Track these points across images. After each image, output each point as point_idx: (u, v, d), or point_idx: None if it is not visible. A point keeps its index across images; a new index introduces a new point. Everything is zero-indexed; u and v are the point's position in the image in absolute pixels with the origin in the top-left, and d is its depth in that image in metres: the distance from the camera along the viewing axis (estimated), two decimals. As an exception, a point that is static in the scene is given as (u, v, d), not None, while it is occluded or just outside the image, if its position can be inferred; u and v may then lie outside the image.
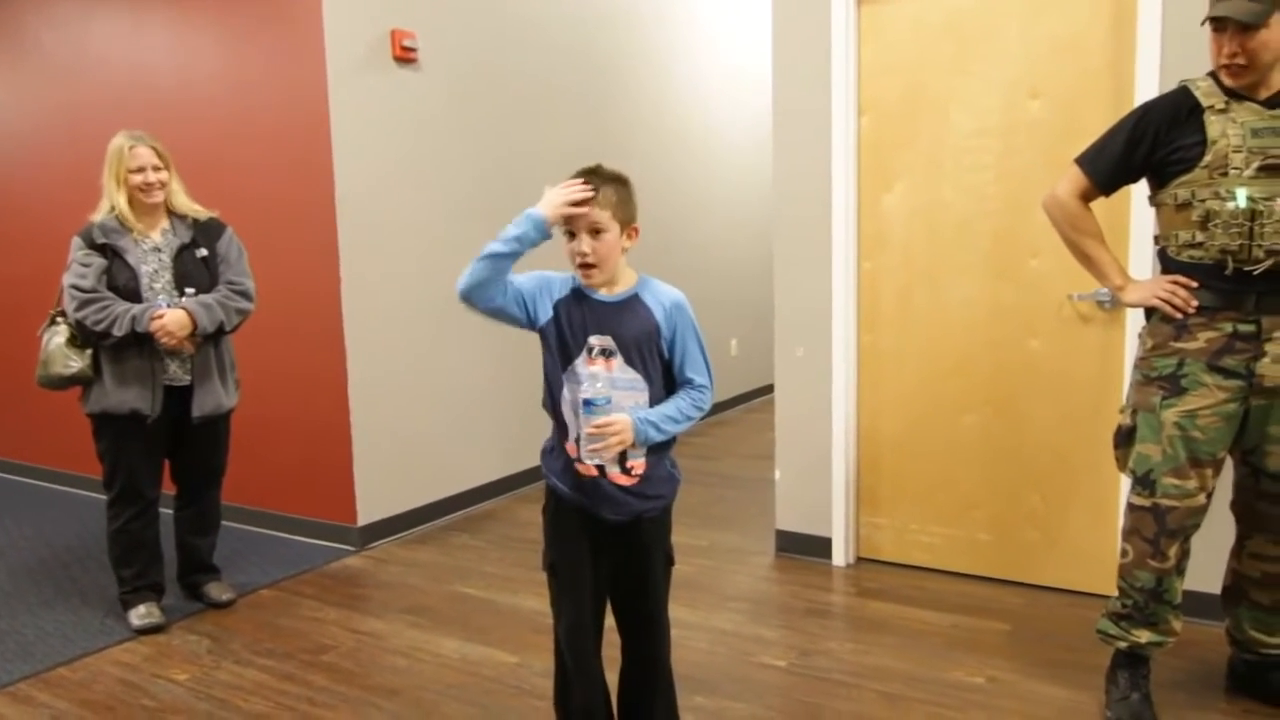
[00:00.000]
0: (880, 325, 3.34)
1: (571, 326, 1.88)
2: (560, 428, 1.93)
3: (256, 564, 3.53)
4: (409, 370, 3.88)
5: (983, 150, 3.10)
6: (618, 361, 1.87)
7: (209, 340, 2.98)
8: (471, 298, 1.84)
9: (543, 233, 1.82)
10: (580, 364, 1.87)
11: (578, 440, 1.88)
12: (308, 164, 3.58)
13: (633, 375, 1.87)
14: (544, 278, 1.93)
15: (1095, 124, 2.89)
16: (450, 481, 4.11)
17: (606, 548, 1.96)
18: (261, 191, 3.73)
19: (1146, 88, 2.76)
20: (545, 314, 1.90)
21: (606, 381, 1.85)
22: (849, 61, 3.23)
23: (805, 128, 3.34)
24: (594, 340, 1.87)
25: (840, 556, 3.43)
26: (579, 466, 1.89)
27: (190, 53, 3.87)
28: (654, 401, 1.89)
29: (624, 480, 1.90)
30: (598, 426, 1.81)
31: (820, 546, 3.47)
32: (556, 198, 1.82)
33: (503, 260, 1.83)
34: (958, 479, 3.26)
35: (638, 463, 1.90)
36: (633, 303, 1.91)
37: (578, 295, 1.90)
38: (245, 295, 3.06)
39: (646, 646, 2.04)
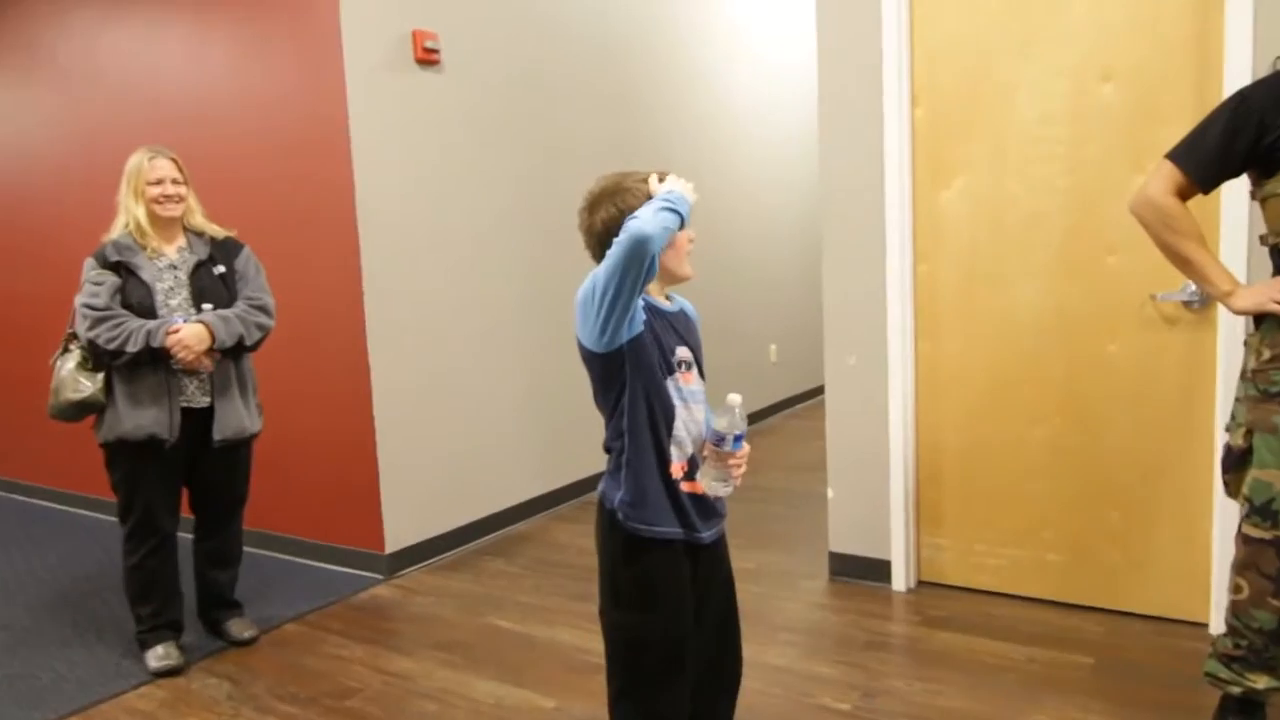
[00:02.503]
0: (940, 331, 3.09)
1: (660, 337, 1.66)
2: (659, 453, 1.64)
3: (280, 595, 3.36)
4: (436, 386, 3.70)
5: (1051, 140, 2.84)
6: (695, 373, 1.71)
7: (229, 357, 2.82)
8: (655, 246, 1.48)
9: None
10: (674, 381, 1.66)
11: (690, 462, 1.67)
12: (326, 173, 3.41)
13: (702, 385, 1.73)
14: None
15: (1176, 108, 2.65)
16: (482, 503, 3.92)
17: (695, 580, 1.73)
18: (279, 203, 3.56)
19: (1237, 65, 2.50)
20: (640, 320, 1.60)
21: (743, 408, 1.63)
22: (901, 47, 2.99)
23: (854, 119, 3.10)
24: (680, 352, 1.69)
25: (900, 581, 3.19)
26: (685, 486, 1.67)
27: (205, 63, 3.71)
28: None
29: (699, 489, 1.72)
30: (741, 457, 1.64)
31: (878, 570, 3.22)
32: (688, 189, 1.61)
33: (676, 225, 1.54)
34: (1027, 496, 3.01)
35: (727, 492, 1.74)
36: (684, 314, 1.78)
37: (652, 306, 1.69)
38: (265, 311, 2.90)
39: (732, 673, 1.84)
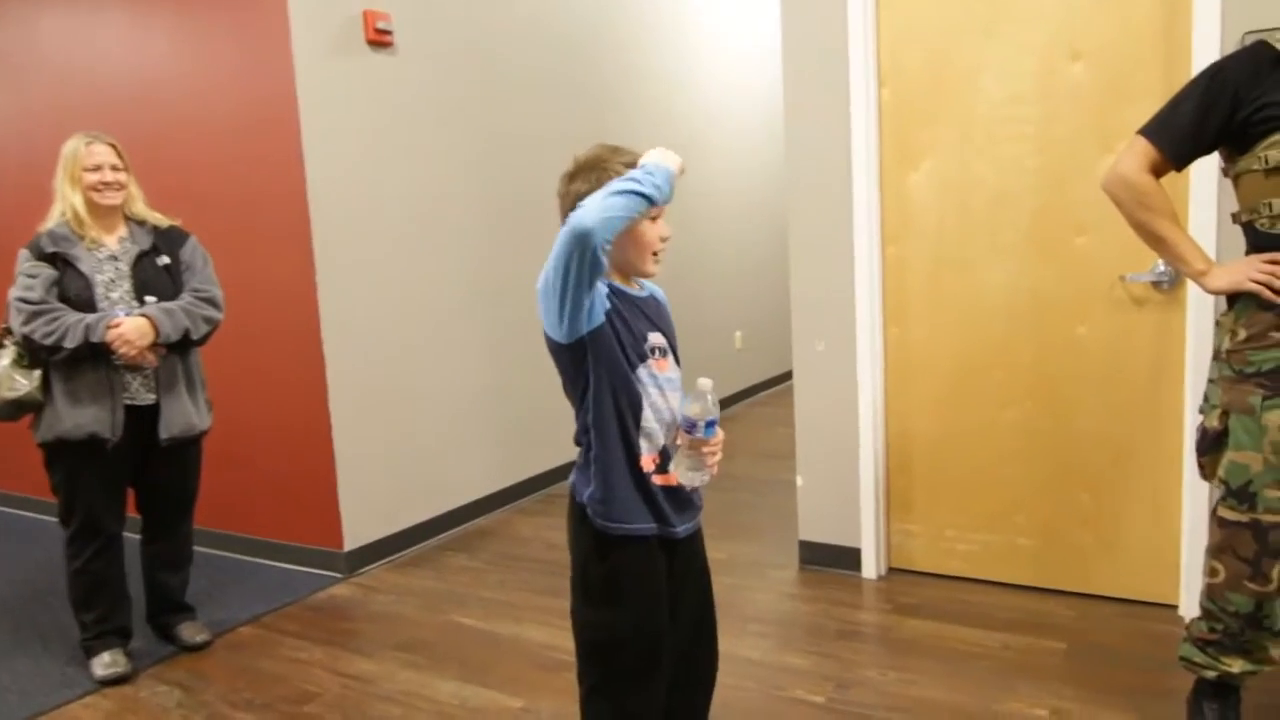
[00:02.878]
0: (908, 315, 3.05)
1: (629, 324, 1.58)
2: (627, 448, 1.56)
3: (235, 597, 3.24)
4: (394, 377, 3.59)
5: (1019, 120, 2.80)
6: (669, 361, 1.63)
7: (175, 352, 2.69)
8: (596, 240, 1.38)
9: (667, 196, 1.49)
10: (645, 369, 1.58)
11: (662, 453, 1.59)
12: (276, 158, 3.28)
13: (678, 372, 1.66)
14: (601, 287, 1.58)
15: (1145, 86, 2.62)
16: (443, 497, 3.82)
17: (670, 576, 1.66)
18: (227, 190, 3.42)
19: (1205, 43, 2.47)
20: (602, 309, 1.52)
21: (714, 392, 1.56)
22: (866, 28, 2.93)
23: (820, 102, 3.04)
24: (653, 339, 1.61)
25: (871, 568, 3.15)
26: (658, 479, 1.59)
27: (148, 45, 3.56)
28: None
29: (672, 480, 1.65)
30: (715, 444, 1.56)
31: (848, 558, 3.18)
32: (674, 162, 1.51)
33: (638, 209, 1.44)
34: (998, 480, 2.98)
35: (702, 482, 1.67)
36: (656, 298, 1.70)
37: (617, 292, 1.60)
38: (213, 303, 2.77)
39: (707, 670, 1.78)
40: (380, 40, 3.42)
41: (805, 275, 3.16)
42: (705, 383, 1.54)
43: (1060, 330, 2.83)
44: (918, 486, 3.12)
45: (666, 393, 1.60)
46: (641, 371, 1.57)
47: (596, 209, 1.39)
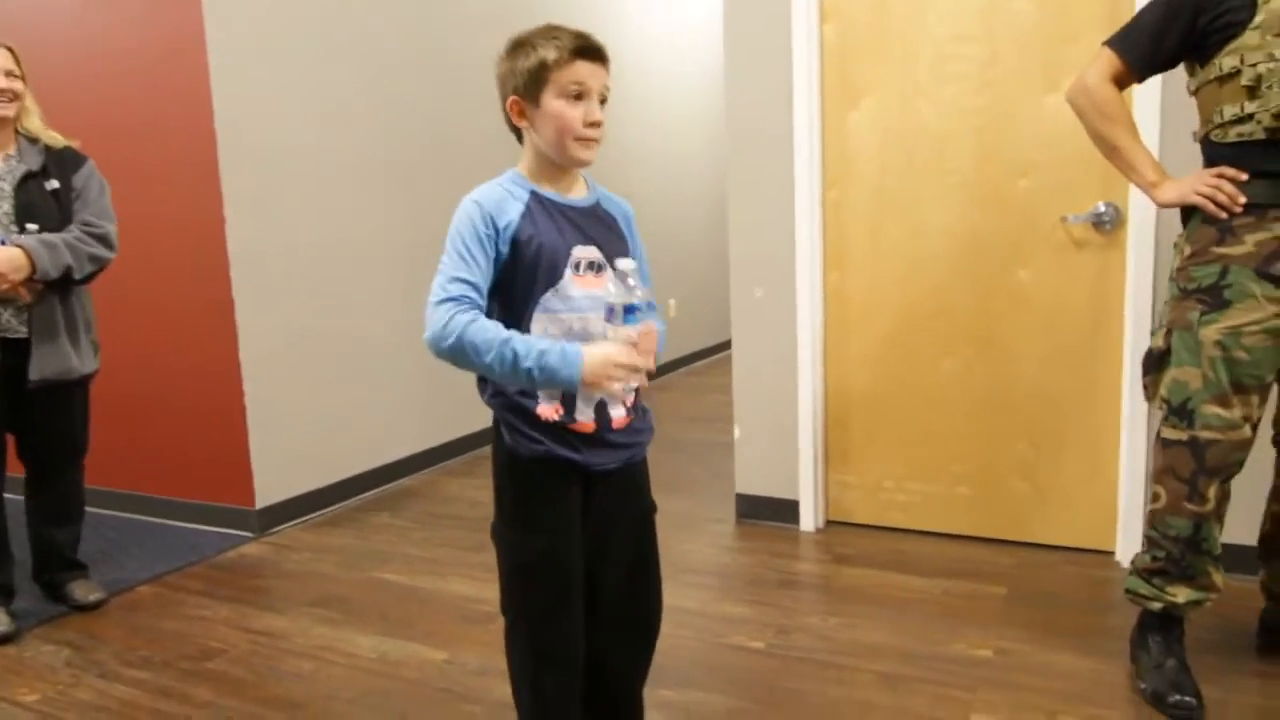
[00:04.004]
0: (848, 262, 2.98)
1: (550, 239, 1.44)
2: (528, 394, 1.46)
3: (134, 557, 3.01)
4: (312, 328, 3.38)
5: (962, 58, 2.74)
6: (608, 275, 1.47)
7: (53, 290, 2.45)
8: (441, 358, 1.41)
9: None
10: (566, 283, 1.44)
11: (569, 399, 1.46)
12: (180, 86, 3.04)
13: (628, 291, 1.47)
14: (492, 209, 1.44)
15: (1089, 23, 2.58)
16: (365, 455, 3.63)
17: (594, 508, 1.54)
18: (127, 118, 3.17)
19: (1150, -24, 2.44)
20: (506, 242, 1.42)
21: (637, 274, 1.42)
22: (810, -41, 2.84)
23: (761, 39, 2.93)
24: (579, 252, 1.46)
25: (809, 520, 3.07)
26: (573, 428, 1.47)
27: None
28: None
29: (624, 421, 1.52)
30: (632, 344, 1.37)
31: (786, 510, 3.11)
32: (609, 361, 1.35)
33: (500, 377, 1.41)
34: (936, 430, 2.93)
35: (631, 396, 1.54)
36: (599, 209, 1.55)
37: (543, 201, 1.47)
38: (104, 240, 2.51)
39: (645, 615, 1.66)
40: (297, -36, 3.20)
41: (744, 220, 3.06)
42: (626, 263, 1.42)
43: (1001, 275, 2.78)
44: (856, 437, 3.05)
45: (588, 315, 1.45)
46: (550, 297, 1.44)
47: (469, 341, 1.35)
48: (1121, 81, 1.97)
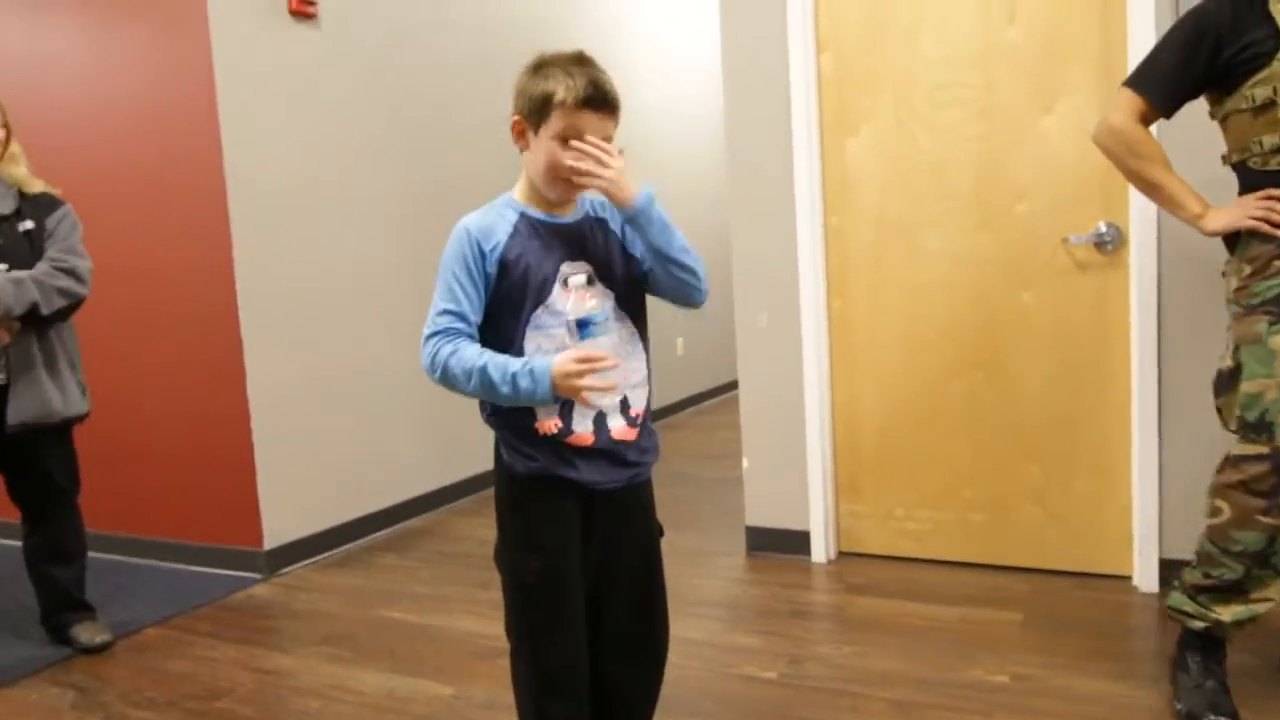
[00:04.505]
0: (851, 287, 2.98)
1: (536, 258, 1.47)
2: (526, 410, 1.48)
3: (143, 600, 2.99)
4: (319, 369, 3.40)
5: (957, 84, 2.77)
6: (599, 288, 1.50)
7: (29, 326, 2.43)
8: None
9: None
10: (555, 299, 1.47)
11: (568, 410, 1.47)
12: (191, 133, 3.10)
13: (610, 302, 1.51)
14: (479, 234, 1.47)
15: (1082, 48, 2.61)
16: (373, 496, 3.62)
17: (598, 529, 1.54)
18: (139, 166, 3.22)
19: (1141, 2, 2.47)
20: (494, 264, 1.46)
21: (601, 296, 1.44)
22: (804, -7, 2.89)
23: (759, 70, 2.98)
24: (567, 269, 1.48)
25: (820, 552, 3.04)
26: (570, 440, 1.47)
27: (51, 13, 3.35)
28: (644, 343, 1.56)
29: (627, 434, 1.52)
30: (590, 359, 1.38)
31: (797, 542, 3.07)
32: (570, 370, 1.37)
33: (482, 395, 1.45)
34: (945, 455, 2.91)
35: (639, 409, 1.54)
36: (589, 220, 1.56)
37: (532, 222, 1.50)
38: (73, 274, 2.47)
39: (650, 639, 1.64)
40: (304, 11, 3.27)
41: (747, 249, 3.08)
42: (576, 279, 1.44)
43: (1005, 297, 2.78)
44: (866, 465, 3.03)
45: (593, 304, 1.46)
46: (541, 314, 1.46)
47: (454, 371, 1.41)
48: (1146, 119, 1.97)
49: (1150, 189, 2.00)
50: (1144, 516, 2.63)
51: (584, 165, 1.41)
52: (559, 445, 1.47)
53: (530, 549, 1.51)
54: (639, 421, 1.54)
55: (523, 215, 1.50)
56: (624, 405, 1.52)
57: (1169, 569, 2.59)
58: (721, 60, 3.07)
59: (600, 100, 1.44)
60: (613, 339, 1.44)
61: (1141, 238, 2.54)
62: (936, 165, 2.82)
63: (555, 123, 1.43)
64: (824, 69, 2.93)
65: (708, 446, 4.86)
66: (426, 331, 1.46)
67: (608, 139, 1.46)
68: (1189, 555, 2.51)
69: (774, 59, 2.94)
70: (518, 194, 1.54)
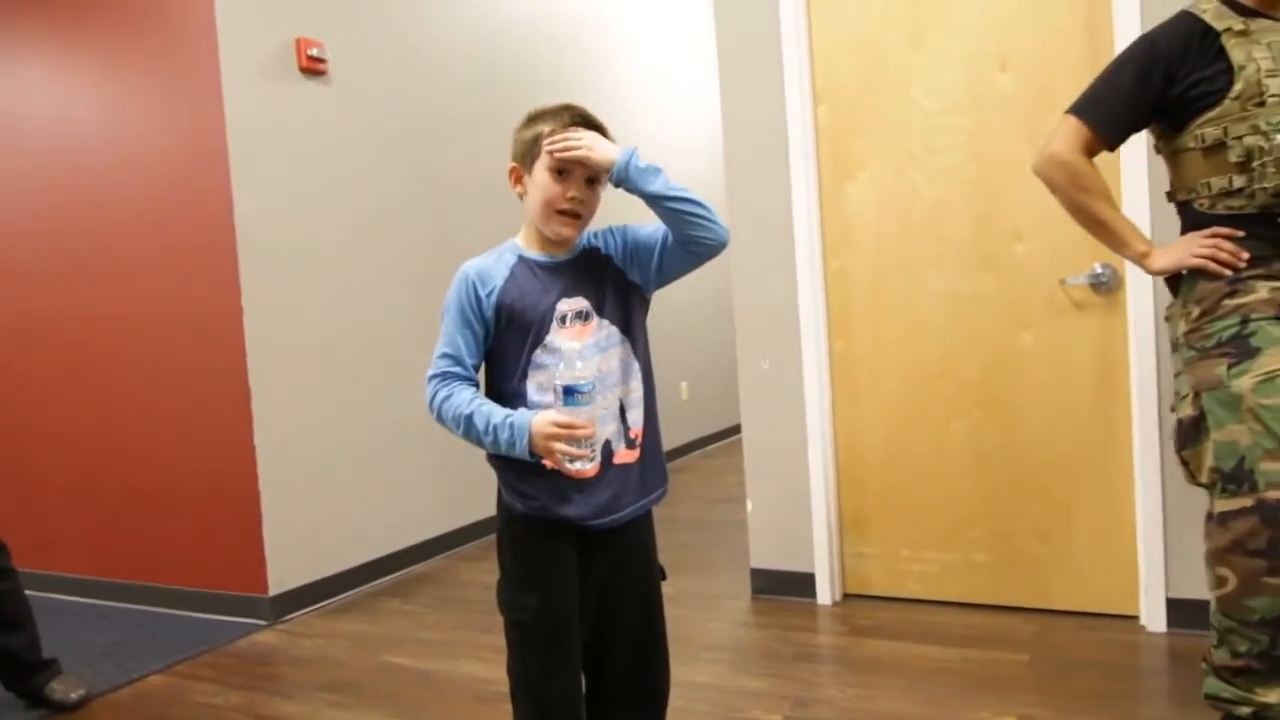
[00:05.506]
0: (853, 329, 3.01)
1: (533, 298, 1.52)
2: None
3: (147, 648, 2.99)
4: (326, 416, 3.43)
5: (952, 130, 2.83)
6: (596, 322, 1.53)
7: None
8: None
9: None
10: (553, 338, 1.51)
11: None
12: (203, 187, 3.17)
13: (610, 330, 1.54)
14: (476, 278, 1.54)
15: (1071, 92, 2.62)
16: (377, 542, 3.63)
17: (596, 569, 1.55)
18: (150, 218, 3.29)
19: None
20: (491, 308, 1.52)
21: (589, 362, 1.48)
22: (800, 44, 2.96)
23: (758, 121, 3.04)
24: (564, 305, 1.52)
25: (825, 594, 3.03)
26: (571, 472, 1.49)
27: (68, 72, 3.45)
28: (642, 363, 1.58)
29: (629, 457, 1.53)
30: (570, 427, 1.42)
31: (802, 584, 3.06)
32: (549, 433, 1.43)
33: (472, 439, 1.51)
34: (949, 495, 2.91)
35: (638, 429, 1.55)
36: (588, 254, 1.59)
37: (529, 263, 1.55)
38: None
39: (649, 682, 1.63)
40: (313, 68, 3.36)
41: (748, 294, 3.12)
42: (569, 346, 1.47)
43: (1004, 338, 2.80)
44: (870, 506, 3.03)
45: (574, 363, 1.49)
46: (540, 354, 1.50)
47: (439, 407, 1.50)
48: (1091, 150, 1.90)
49: (1093, 225, 1.93)
50: (1149, 555, 2.62)
51: (559, 145, 1.48)
52: (559, 480, 1.49)
53: (527, 588, 1.53)
54: (638, 443, 1.55)
55: (520, 258, 1.56)
56: (624, 428, 1.54)
57: (1176, 608, 2.58)
58: (721, 112, 3.14)
59: (584, 124, 1.52)
60: (594, 408, 1.46)
61: (1137, 278, 2.56)
62: (934, 208, 2.86)
63: (545, 156, 1.50)
64: (821, 119, 2.99)
65: (713, 490, 4.86)
66: (428, 373, 1.54)
67: (596, 171, 1.51)
68: (1195, 594, 2.53)
69: (772, 111, 3.01)
70: (520, 239, 1.60)
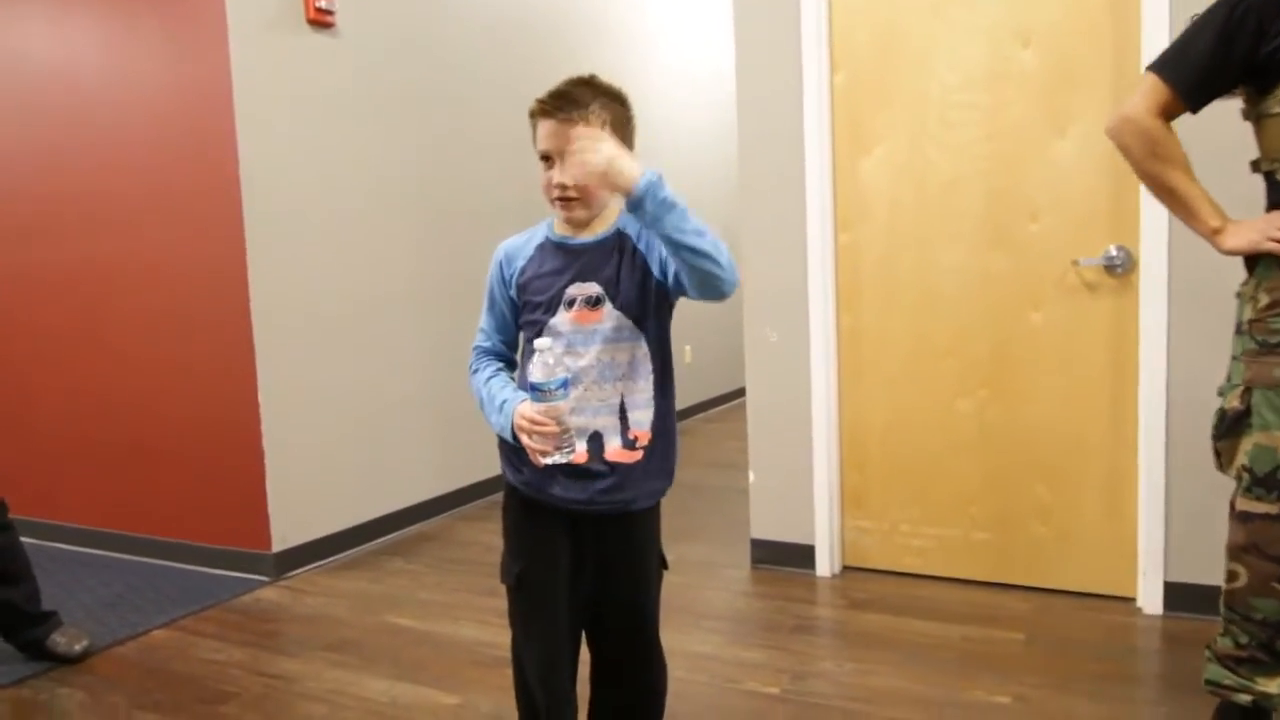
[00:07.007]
0: (861, 304, 2.99)
1: (544, 280, 1.52)
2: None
3: (151, 601, 3.02)
4: (330, 374, 3.42)
5: (970, 105, 2.78)
6: (606, 309, 1.50)
7: None
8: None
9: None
10: (557, 320, 1.50)
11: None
12: (207, 139, 3.13)
13: (622, 321, 1.51)
14: (506, 257, 1.60)
15: (1094, 71, 2.62)
16: (380, 500, 3.64)
17: (590, 550, 1.57)
18: (155, 171, 3.25)
19: (1154, 24, 2.48)
20: (514, 287, 1.58)
21: (579, 355, 1.47)
22: (820, 11, 2.90)
23: (773, 88, 2.99)
24: (573, 290, 1.50)
25: (825, 566, 3.05)
26: (540, 462, 1.49)
27: (71, 22, 3.39)
28: (655, 366, 1.54)
29: (626, 457, 1.51)
30: (534, 423, 1.42)
31: (801, 556, 3.08)
32: (521, 425, 1.45)
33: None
34: (952, 473, 2.92)
35: (642, 433, 1.53)
36: (615, 239, 1.54)
37: (552, 244, 1.55)
38: None
39: (638, 672, 1.66)
40: (321, 20, 3.30)
41: (758, 265, 3.09)
42: (541, 341, 1.43)
43: (1014, 317, 2.79)
44: (871, 481, 3.04)
45: (580, 349, 1.49)
46: (555, 324, 1.51)
47: (472, 390, 1.62)
48: (1170, 113, 1.71)
49: (1166, 195, 1.76)
50: (1149, 539, 2.63)
51: (568, 174, 1.41)
52: (559, 470, 1.50)
53: (515, 554, 1.60)
54: (639, 446, 1.52)
55: (546, 238, 1.57)
56: (623, 426, 1.52)
57: (1173, 592, 2.60)
58: (736, 80, 3.08)
59: (552, 106, 1.44)
60: (566, 404, 1.42)
61: (1151, 262, 2.54)
62: (949, 184, 2.83)
63: (536, 144, 1.50)
64: (837, 87, 2.94)
65: (716, 455, 4.87)
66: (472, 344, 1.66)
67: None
68: (1193, 579, 2.55)
69: (788, 77, 2.96)
70: (554, 217, 1.58)
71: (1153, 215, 2.52)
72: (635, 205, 1.32)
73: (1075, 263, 2.68)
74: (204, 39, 3.08)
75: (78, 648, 2.57)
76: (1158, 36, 2.47)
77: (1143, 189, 2.43)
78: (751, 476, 3.17)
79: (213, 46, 3.06)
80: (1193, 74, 1.68)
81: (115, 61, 3.30)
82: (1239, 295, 1.75)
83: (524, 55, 4.38)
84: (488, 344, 1.63)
